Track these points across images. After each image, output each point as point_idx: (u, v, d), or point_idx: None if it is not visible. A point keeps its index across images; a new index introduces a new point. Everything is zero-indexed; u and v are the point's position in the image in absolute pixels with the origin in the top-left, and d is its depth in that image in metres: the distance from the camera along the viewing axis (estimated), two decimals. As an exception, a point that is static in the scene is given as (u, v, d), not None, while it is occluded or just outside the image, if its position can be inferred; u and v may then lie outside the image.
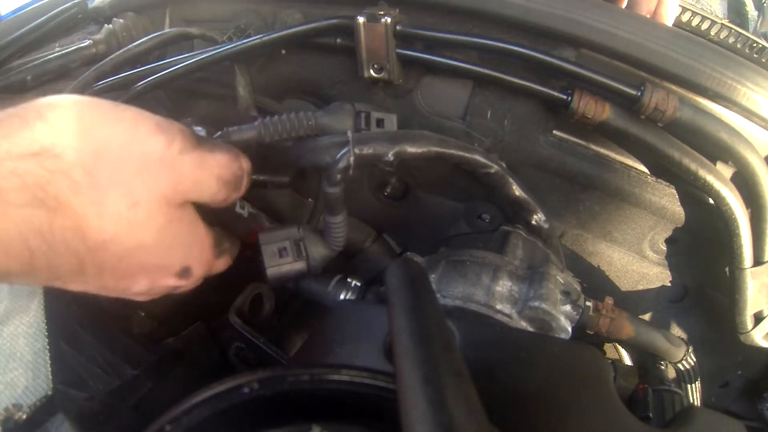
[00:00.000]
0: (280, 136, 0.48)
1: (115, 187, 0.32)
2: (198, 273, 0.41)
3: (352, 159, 0.45)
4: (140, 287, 0.38)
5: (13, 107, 0.31)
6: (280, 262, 0.49)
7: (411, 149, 0.46)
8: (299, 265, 0.50)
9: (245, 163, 0.41)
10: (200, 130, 0.45)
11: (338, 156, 0.45)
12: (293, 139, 0.50)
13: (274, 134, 0.48)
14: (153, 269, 0.37)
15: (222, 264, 0.46)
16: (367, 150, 0.45)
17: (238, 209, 0.51)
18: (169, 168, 0.34)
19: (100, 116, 0.32)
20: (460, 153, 0.48)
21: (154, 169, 0.33)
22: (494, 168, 0.49)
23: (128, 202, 0.32)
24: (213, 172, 0.37)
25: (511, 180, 0.50)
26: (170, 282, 0.39)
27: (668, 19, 0.62)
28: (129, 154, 0.33)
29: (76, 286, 0.35)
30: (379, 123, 0.51)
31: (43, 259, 0.31)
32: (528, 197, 0.51)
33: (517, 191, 0.50)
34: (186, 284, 0.41)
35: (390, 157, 0.46)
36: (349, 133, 0.46)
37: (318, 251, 0.50)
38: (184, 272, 0.40)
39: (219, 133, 0.47)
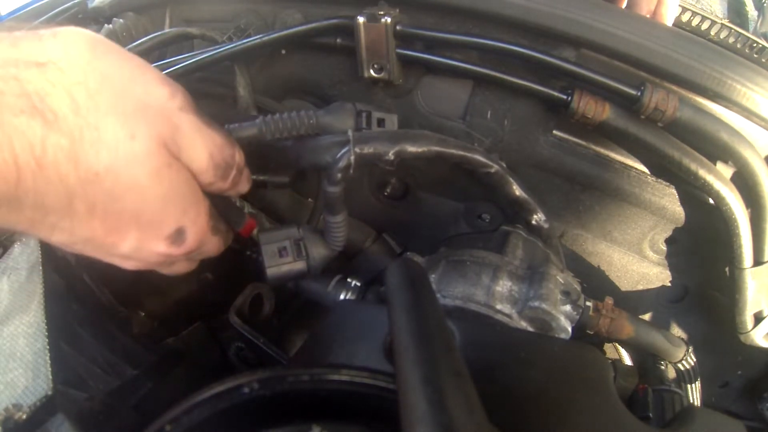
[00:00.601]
0: (280, 134, 0.48)
1: (114, 116, 0.31)
2: (191, 240, 0.38)
3: (352, 158, 0.45)
4: (128, 246, 0.35)
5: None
6: (280, 262, 0.49)
7: (411, 149, 0.46)
8: (299, 265, 0.50)
9: (239, 156, 0.40)
10: None
11: (339, 155, 0.45)
12: (293, 138, 0.50)
13: (275, 132, 0.48)
14: (145, 223, 0.34)
15: (216, 243, 0.43)
16: (368, 149, 0.45)
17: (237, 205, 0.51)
18: (167, 118, 0.34)
19: (111, 50, 0.32)
20: (461, 152, 0.48)
21: (153, 112, 0.33)
22: (494, 168, 0.49)
23: (126, 133, 0.31)
24: (206, 145, 0.36)
25: (511, 180, 0.50)
26: (161, 247, 0.36)
27: (668, 19, 0.62)
28: (132, 91, 0.32)
29: (61, 234, 0.32)
30: (380, 123, 0.51)
31: (31, 182, 0.28)
32: (528, 197, 0.51)
33: (517, 191, 0.50)
34: (177, 253, 0.37)
35: (390, 156, 0.46)
36: (350, 133, 0.46)
37: (318, 251, 0.50)
38: (177, 236, 0.36)
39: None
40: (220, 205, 0.44)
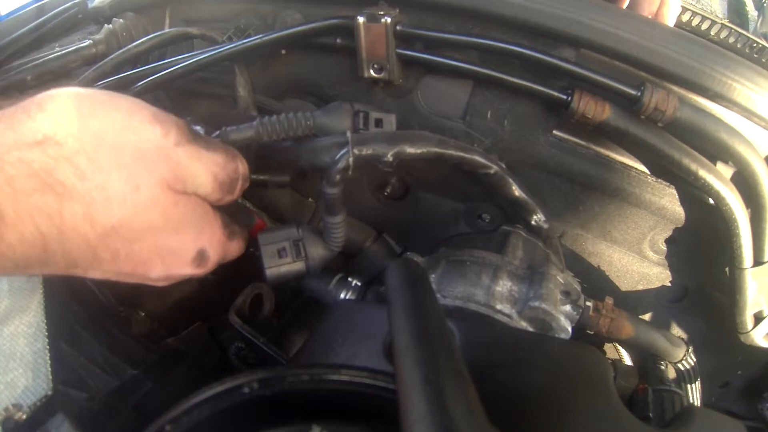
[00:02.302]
0: (278, 136, 0.48)
1: (117, 172, 0.33)
2: (214, 256, 0.41)
3: (351, 159, 0.45)
4: (157, 274, 0.38)
5: (17, 102, 0.32)
6: (280, 263, 0.49)
7: (410, 150, 0.46)
8: (298, 266, 0.50)
9: (242, 167, 0.42)
10: (199, 129, 0.45)
11: (337, 156, 0.45)
12: (292, 139, 0.50)
13: (272, 134, 0.48)
14: (167, 254, 0.37)
15: (236, 246, 0.45)
16: (367, 150, 0.45)
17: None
18: (165, 157, 0.35)
19: (96, 105, 0.33)
20: (460, 153, 0.48)
21: (151, 157, 0.34)
22: (494, 168, 0.49)
23: (131, 186, 0.33)
24: (208, 169, 0.38)
25: (510, 180, 0.50)
26: (188, 270, 0.39)
27: (670, 19, 0.62)
28: (126, 141, 0.33)
29: (95, 273, 0.35)
30: (378, 123, 0.51)
31: (57, 245, 0.31)
32: (527, 197, 0.51)
33: (516, 191, 0.50)
34: (204, 271, 0.41)
35: (389, 157, 0.46)
36: (349, 134, 0.46)
37: (317, 252, 0.50)
38: (200, 257, 0.39)
39: (217, 132, 0.47)
40: (229, 209, 0.45)
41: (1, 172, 0.29)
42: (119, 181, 0.33)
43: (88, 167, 0.32)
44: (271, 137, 0.48)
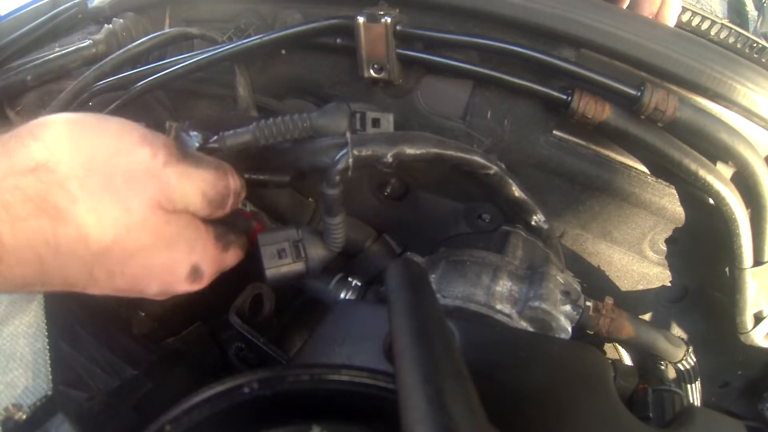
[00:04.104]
0: (275, 139, 0.48)
1: (108, 195, 0.34)
2: (209, 270, 0.42)
3: (350, 160, 0.45)
4: (154, 291, 0.39)
5: (10, 130, 0.33)
6: (279, 263, 0.49)
7: (410, 150, 0.46)
8: (298, 266, 0.50)
9: (233, 182, 0.42)
10: (196, 135, 0.45)
11: (337, 157, 0.45)
12: (290, 142, 0.50)
13: (269, 137, 0.48)
14: (160, 272, 0.38)
15: (232, 256, 0.46)
16: (366, 151, 0.45)
17: (239, 206, 0.51)
18: (154, 177, 0.36)
19: (86, 130, 0.35)
20: (459, 154, 0.48)
21: (140, 178, 0.35)
22: (493, 169, 0.49)
23: (122, 207, 0.34)
24: (197, 187, 0.39)
25: (510, 181, 0.50)
26: (184, 286, 0.40)
27: (671, 19, 0.62)
28: (116, 164, 0.35)
29: (94, 290, 0.36)
30: (375, 123, 0.51)
31: (54, 266, 0.33)
32: (527, 198, 0.51)
33: (516, 192, 0.50)
34: (200, 286, 0.42)
35: (389, 158, 0.46)
36: (348, 135, 0.46)
37: (317, 252, 0.50)
38: (195, 273, 0.40)
39: (215, 137, 0.47)
40: (226, 216, 0.45)
41: None
42: (110, 203, 0.34)
43: (79, 192, 0.33)
44: (268, 140, 0.48)
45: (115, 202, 0.34)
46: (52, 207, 0.32)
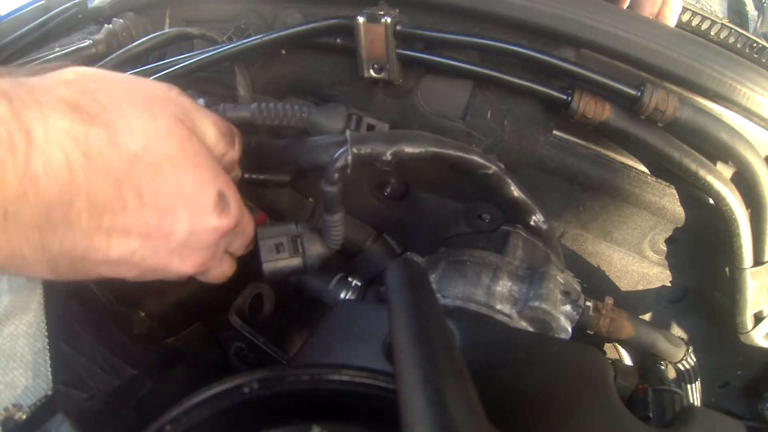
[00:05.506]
0: (272, 122, 0.50)
1: (134, 107, 0.36)
2: (234, 205, 0.41)
3: (350, 158, 0.45)
4: (183, 229, 0.37)
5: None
6: (277, 258, 0.49)
7: (409, 149, 0.46)
8: (295, 262, 0.50)
9: (235, 128, 0.45)
10: (200, 101, 0.48)
11: (336, 155, 0.45)
12: (291, 137, 0.50)
13: (267, 119, 0.50)
14: (189, 195, 0.38)
15: (248, 224, 0.45)
16: (365, 149, 0.45)
17: None
18: (174, 101, 0.39)
19: (109, 71, 0.39)
20: (458, 153, 0.48)
21: (161, 100, 0.39)
22: (492, 168, 0.49)
23: (149, 116, 0.36)
24: (210, 118, 0.41)
25: (509, 181, 0.50)
26: (212, 219, 0.39)
27: (671, 20, 0.62)
28: (139, 88, 0.38)
29: (118, 241, 0.35)
30: (370, 128, 0.52)
31: (82, 177, 0.32)
32: (526, 198, 0.51)
33: (515, 192, 0.50)
34: (227, 225, 0.40)
35: (388, 156, 0.46)
36: (348, 133, 0.46)
37: (315, 248, 0.50)
38: (222, 201, 0.40)
39: (215, 108, 0.49)
40: None
41: (32, 97, 0.31)
42: (138, 112, 0.36)
43: (108, 102, 0.35)
44: (265, 122, 0.50)
45: (141, 111, 0.36)
46: (85, 111, 0.33)
